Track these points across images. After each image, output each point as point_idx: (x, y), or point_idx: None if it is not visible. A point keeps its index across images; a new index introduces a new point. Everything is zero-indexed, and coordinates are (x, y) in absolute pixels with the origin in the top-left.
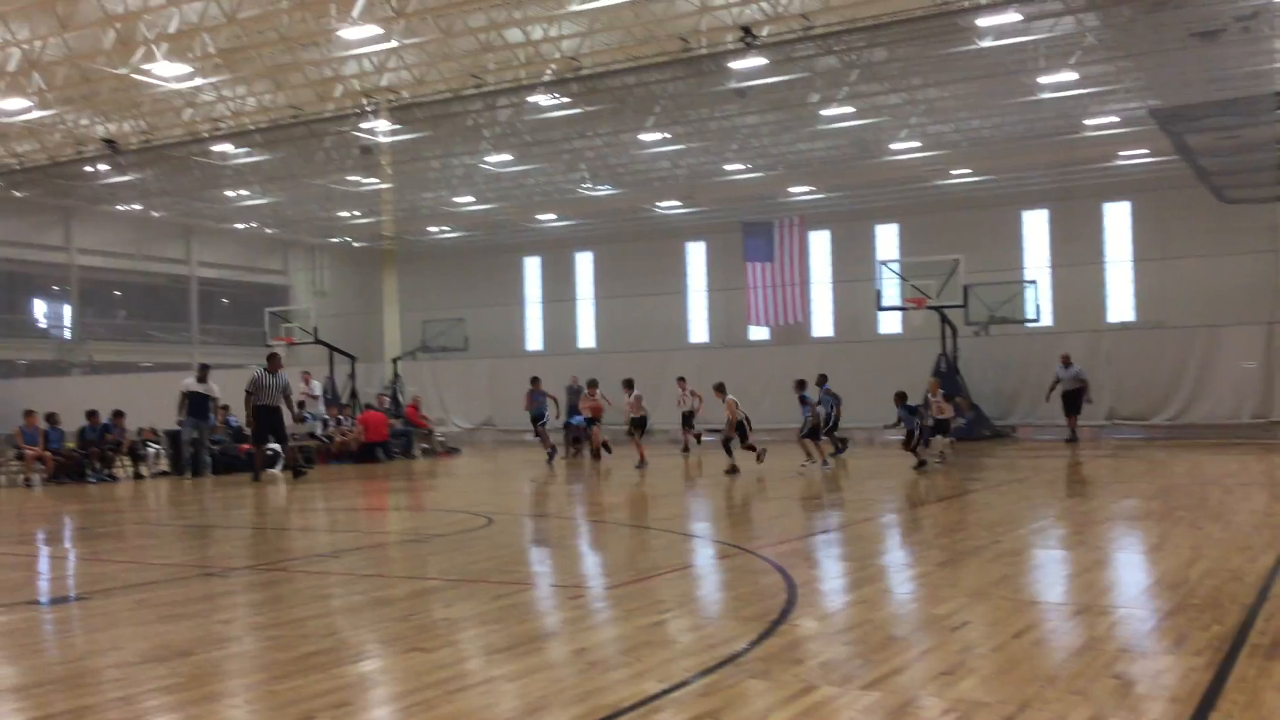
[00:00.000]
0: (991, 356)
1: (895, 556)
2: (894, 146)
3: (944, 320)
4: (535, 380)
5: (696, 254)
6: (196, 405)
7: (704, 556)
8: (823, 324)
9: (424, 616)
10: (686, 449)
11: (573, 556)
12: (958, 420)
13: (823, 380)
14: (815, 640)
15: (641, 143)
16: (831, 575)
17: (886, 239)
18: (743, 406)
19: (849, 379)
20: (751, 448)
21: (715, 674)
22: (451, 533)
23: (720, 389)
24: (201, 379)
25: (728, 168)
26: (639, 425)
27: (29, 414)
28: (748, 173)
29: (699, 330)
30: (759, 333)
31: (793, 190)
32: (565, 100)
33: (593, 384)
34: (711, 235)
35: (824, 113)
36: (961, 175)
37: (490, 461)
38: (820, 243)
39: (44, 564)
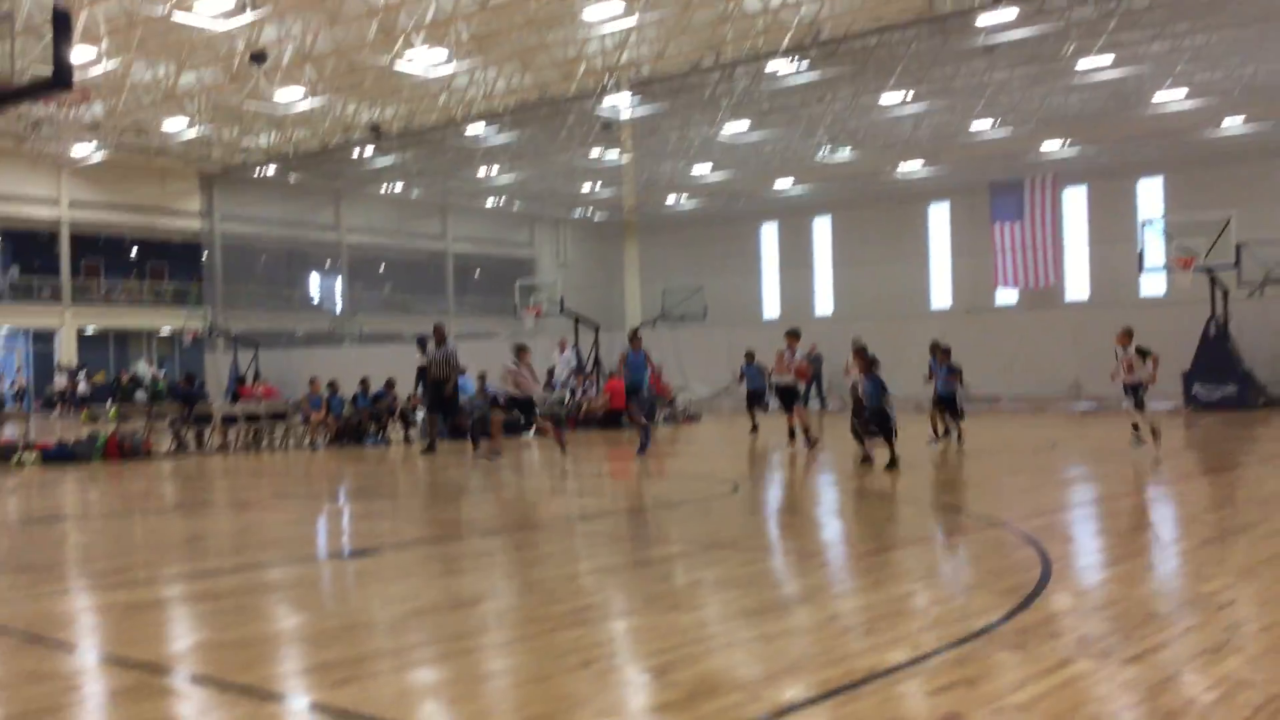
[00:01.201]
0: (1267, 320)
1: (1157, 532)
2: (1158, 97)
3: (1214, 282)
4: (635, 337)
5: (939, 216)
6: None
7: (952, 528)
8: (1077, 287)
9: (679, 578)
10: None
11: (820, 524)
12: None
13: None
14: (1072, 615)
15: (882, 105)
16: (1088, 550)
17: (1150, 195)
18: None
19: (1108, 344)
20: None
21: (968, 645)
22: (699, 499)
23: (862, 354)
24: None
25: (974, 127)
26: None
27: (313, 381)
28: (996, 130)
29: (941, 295)
30: (1007, 296)
31: (1045, 147)
32: (804, 66)
33: (520, 350)
34: (956, 196)
35: (1080, 65)
36: (1234, 124)
37: (731, 428)
38: (1076, 200)
39: (335, 521)
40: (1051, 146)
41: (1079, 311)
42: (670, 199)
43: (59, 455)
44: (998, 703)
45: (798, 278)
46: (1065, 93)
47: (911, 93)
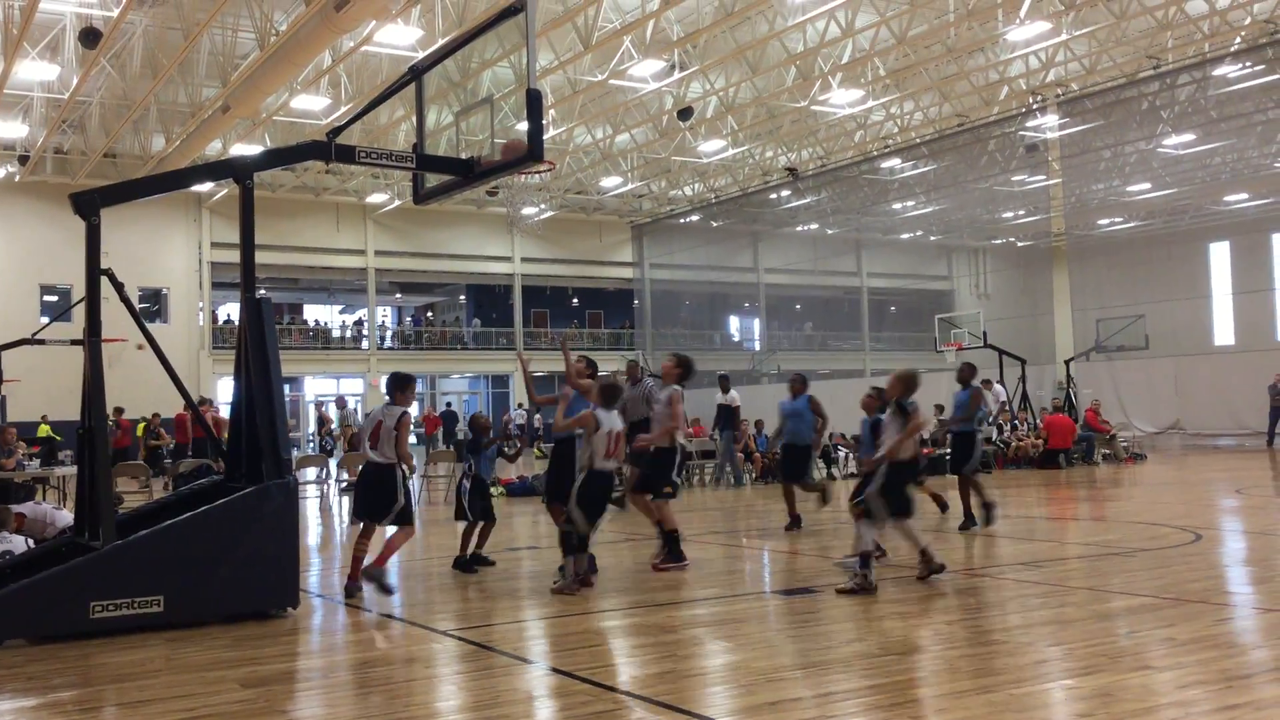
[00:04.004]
0: None
1: None
2: None
3: None
4: (800, 383)
5: None
6: (723, 417)
7: None
8: None
9: (1144, 634)
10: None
11: None
12: None
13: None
14: None
15: None
16: None
17: None
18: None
19: None
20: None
21: None
22: (1156, 547)
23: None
24: (724, 390)
25: None
26: None
27: (741, 421)
28: None
29: None
30: None
31: None
32: (1258, 68)
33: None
34: None
35: None
36: None
37: (1181, 469)
38: None
39: (769, 558)
40: None
41: None
42: (1103, 221)
43: (519, 490)
44: None
45: (1255, 301)
46: None
47: None
